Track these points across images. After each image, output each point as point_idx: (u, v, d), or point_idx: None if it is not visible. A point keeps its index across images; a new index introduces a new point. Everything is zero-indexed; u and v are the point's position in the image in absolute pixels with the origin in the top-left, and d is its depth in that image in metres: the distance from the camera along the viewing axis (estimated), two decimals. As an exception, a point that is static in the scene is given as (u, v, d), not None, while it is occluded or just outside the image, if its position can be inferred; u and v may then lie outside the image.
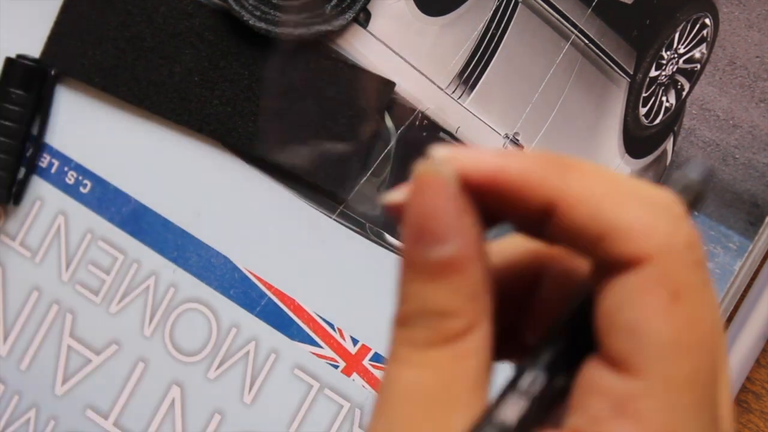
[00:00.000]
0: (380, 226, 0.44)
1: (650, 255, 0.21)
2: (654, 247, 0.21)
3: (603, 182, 0.22)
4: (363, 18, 0.45)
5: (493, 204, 0.23)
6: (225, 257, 0.45)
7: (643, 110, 0.44)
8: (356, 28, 0.45)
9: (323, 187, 0.44)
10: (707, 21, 0.43)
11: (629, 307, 0.21)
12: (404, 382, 0.23)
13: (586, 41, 0.44)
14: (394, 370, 0.23)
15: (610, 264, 0.22)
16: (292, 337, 0.44)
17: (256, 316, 0.45)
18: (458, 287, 0.23)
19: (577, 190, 0.22)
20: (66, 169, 0.47)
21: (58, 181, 0.47)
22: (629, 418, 0.21)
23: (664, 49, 0.44)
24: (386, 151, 0.44)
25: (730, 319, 0.42)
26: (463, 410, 0.22)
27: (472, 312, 0.23)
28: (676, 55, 0.44)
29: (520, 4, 0.44)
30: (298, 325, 0.45)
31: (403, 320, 0.23)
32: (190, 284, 0.45)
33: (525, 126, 0.44)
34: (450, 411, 0.22)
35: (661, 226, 0.21)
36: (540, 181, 0.22)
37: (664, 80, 0.44)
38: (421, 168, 0.22)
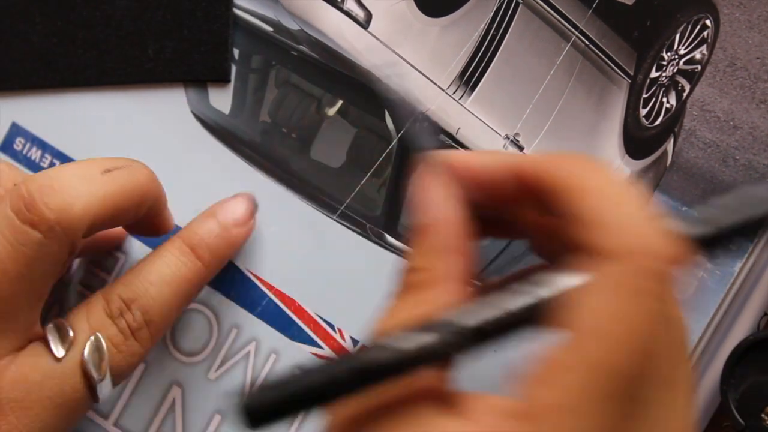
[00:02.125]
0: (381, 226, 0.44)
1: (619, 254, 0.25)
2: (625, 249, 0.25)
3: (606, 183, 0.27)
4: (363, 18, 0.45)
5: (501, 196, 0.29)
6: (225, 258, 0.45)
7: (643, 111, 0.44)
8: (356, 29, 0.45)
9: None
10: (708, 22, 0.43)
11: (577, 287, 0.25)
12: (380, 322, 0.29)
13: (587, 42, 0.44)
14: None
15: (578, 246, 0.26)
16: (292, 337, 0.45)
17: (257, 316, 0.45)
18: (426, 248, 0.29)
19: (585, 182, 0.27)
20: (66, 169, 0.47)
21: (59, 181, 0.47)
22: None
23: (664, 51, 0.44)
24: (387, 151, 0.44)
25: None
26: None
27: (435, 269, 0.28)
28: (676, 57, 0.44)
29: (520, 5, 0.44)
30: (298, 325, 0.45)
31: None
32: (190, 285, 0.45)
33: (525, 127, 0.44)
34: None
35: (641, 234, 0.25)
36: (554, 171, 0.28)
37: (665, 81, 0.44)
38: (423, 163, 0.30)
